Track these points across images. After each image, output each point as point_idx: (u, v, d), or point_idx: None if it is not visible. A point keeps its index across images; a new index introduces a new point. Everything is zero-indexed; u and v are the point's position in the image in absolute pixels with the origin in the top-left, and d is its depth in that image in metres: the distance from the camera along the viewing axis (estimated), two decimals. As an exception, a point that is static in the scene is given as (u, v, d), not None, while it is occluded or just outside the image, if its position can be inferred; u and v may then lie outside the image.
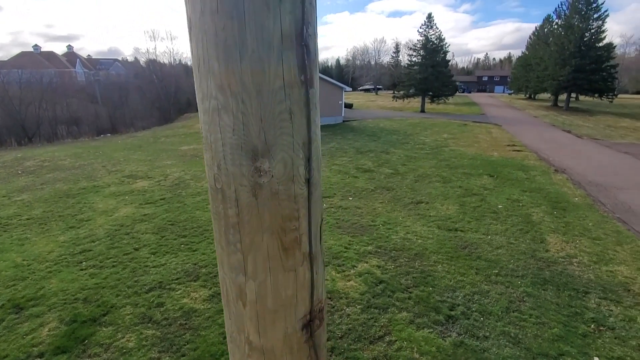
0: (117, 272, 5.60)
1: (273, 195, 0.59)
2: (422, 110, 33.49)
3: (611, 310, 4.97)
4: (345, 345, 4.18)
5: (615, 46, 33.84)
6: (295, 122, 0.57)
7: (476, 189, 10.17)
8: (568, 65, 31.99)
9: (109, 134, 29.95)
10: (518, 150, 15.86)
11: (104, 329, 4.35)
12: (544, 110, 35.41)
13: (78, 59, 70.14)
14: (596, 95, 33.26)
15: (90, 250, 6.40)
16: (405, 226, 7.61)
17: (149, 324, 4.43)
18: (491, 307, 4.96)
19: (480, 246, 6.72)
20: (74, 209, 8.70)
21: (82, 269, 5.75)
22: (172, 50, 78.81)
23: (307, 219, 0.65)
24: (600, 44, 32.15)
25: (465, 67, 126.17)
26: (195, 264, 5.84)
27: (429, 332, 4.42)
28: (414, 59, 34.20)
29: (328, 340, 4.22)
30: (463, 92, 72.24)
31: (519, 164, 13.20)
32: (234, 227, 0.62)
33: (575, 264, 6.19)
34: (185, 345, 4.10)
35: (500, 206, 8.84)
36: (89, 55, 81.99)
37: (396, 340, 4.28)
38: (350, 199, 9.41)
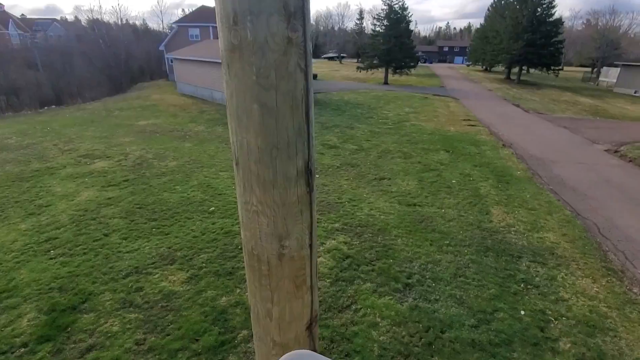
0: (89, 260, 5.64)
1: (290, 258, 0.92)
2: (386, 82, 33.93)
3: (538, 271, 5.92)
4: (319, 310, 4.70)
5: (563, 22, 35.88)
6: (304, 216, 0.89)
7: (433, 165, 10.95)
8: (521, 40, 33.60)
9: (54, 106, 27.44)
10: (472, 125, 16.92)
11: (85, 315, 4.51)
12: (497, 83, 37.29)
13: (10, 20, 61.64)
14: (544, 69, 35.52)
15: (57, 238, 6.30)
16: (370, 202, 8.17)
17: (131, 308, 4.65)
18: (442, 274, 5.70)
19: (435, 219, 7.47)
20: (30, 194, 8.30)
21: (51, 258, 5.71)
22: (118, 10, 71.45)
23: (309, 268, 0.99)
24: (551, 19, 33.95)
25: (427, 35, 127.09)
26: (169, 248, 6.01)
27: (389, 299, 5.06)
28: (377, 29, 34.09)
29: (302, 312, 4.70)
30: (425, 62, 73.39)
31: (472, 139, 14.20)
32: (265, 277, 0.94)
33: (512, 232, 7.13)
34: (169, 325, 4.40)
35: (454, 181, 9.68)
36: (22, 14, 72.14)
37: (361, 308, 4.87)
38: (317, 176, 9.78)
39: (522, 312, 4.99)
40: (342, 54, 72.93)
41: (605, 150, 13.13)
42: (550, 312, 5.02)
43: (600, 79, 38.55)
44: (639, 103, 26.62)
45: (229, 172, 9.77)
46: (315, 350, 1.37)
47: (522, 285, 5.58)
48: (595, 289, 5.57)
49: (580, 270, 6.02)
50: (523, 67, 37.51)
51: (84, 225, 6.75)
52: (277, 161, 0.80)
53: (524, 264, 6.10)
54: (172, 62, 27.74)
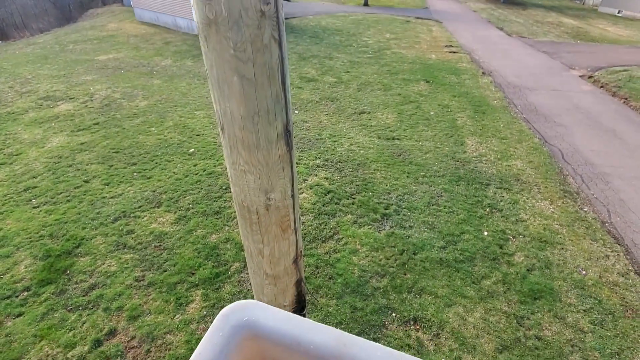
0: (74, 207, 5.70)
1: (276, 208, 1.05)
2: (366, 4, 31.52)
3: (503, 197, 6.45)
4: (303, 246, 5.11)
5: None
6: (285, 172, 1.00)
7: (413, 96, 10.91)
8: (510, -48, 31.12)
9: (1, 41, 24.46)
10: (454, 52, 16.48)
11: (82, 259, 4.74)
12: (483, 3, 35.33)
13: None
14: (531, -14, 33.68)
15: (36, 187, 6.23)
16: (349, 137, 8.28)
17: (125, 249, 4.89)
18: (417, 203, 6.14)
19: (412, 152, 7.74)
20: (-6, 142, 7.91)
21: (34, 207, 5.72)
22: None
23: (293, 215, 1.13)
24: None
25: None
26: (154, 191, 6.10)
27: (369, 229, 5.50)
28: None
29: (288, 244, 5.09)
30: (407, -21, 67.58)
31: (453, 68, 13.98)
32: (255, 224, 1.09)
33: (484, 161, 7.54)
34: (164, 262, 4.71)
35: (432, 113, 9.79)
36: None
37: (343, 238, 5.30)
38: (297, 112, 9.65)
39: (485, 233, 5.58)
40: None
41: (580, 76, 13.31)
42: (509, 232, 5.63)
43: (586, -4, 37.07)
44: (620, 24, 26.25)
45: (204, 111, 9.47)
46: (301, 279, 1.62)
47: (487, 209, 6.12)
48: (551, 209, 6.20)
49: (541, 193, 6.60)
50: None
51: (61, 172, 6.65)
52: (259, 126, 0.88)
53: (491, 191, 6.61)
54: (125, -17, 24.47)
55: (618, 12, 30.04)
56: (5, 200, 5.92)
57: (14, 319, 3.95)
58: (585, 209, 6.27)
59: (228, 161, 1.00)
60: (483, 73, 13.45)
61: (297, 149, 7.70)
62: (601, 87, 12.21)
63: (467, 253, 5.15)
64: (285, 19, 19.96)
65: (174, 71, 12.94)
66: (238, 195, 1.05)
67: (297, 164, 7.10)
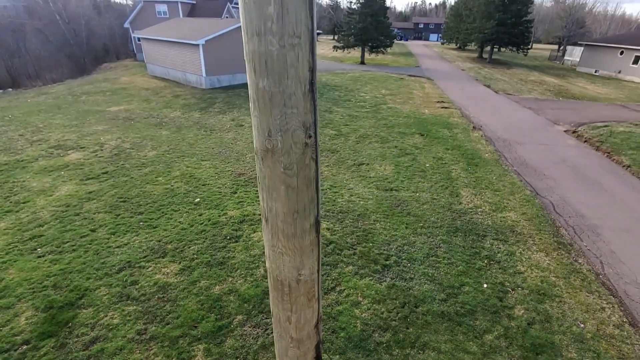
0: (79, 256, 5.77)
1: (305, 282, 1.27)
2: (362, 62, 33.94)
3: (499, 248, 6.62)
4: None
5: (532, 1, 36.75)
6: (314, 253, 1.23)
7: (409, 149, 11.47)
8: (493, 19, 34.32)
9: (11, 89, 25.70)
10: (446, 107, 17.54)
11: (84, 310, 4.74)
12: (470, 62, 38.15)
13: None
14: (514, 48, 36.66)
15: (42, 236, 6.34)
16: (349, 188, 8.60)
17: (128, 301, 4.91)
18: (416, 254, 6.28)
19: (410, 203, 8.02)
20: (3, 190, 8.11)
21: (39, 256, 5.79)
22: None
23: (317, 286, 1.34)
24: (521, -2, 34.79)
25: (403, 11, 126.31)
26: (159, 241, 6.22)
27: (370, 280, 5.57)
28: (353, 6, 33.72)
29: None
30: (400, 39, 73.32)
31: (445, 122, 14.82)
32: (286, 295, 1.30)
33: (479, 213, 7.80)
34: (167, 315, 4.71)
35: (427, 165, 10.25)
36: (-43, -19, 64.92)
37: (345, 289, 5.36)
38: (298, 163, 10.07)
39: (485, 285, 5.66)
40: (318, 31, 71.46)
41: (565, 131, 14.13)
42: (508, 284, 5.72)
43: (565, 57, 40.21)
44: (598, 82, 28.23)
45: (210, 161, 9.87)
46: (320, 342, 1.79)
47: (485, 261, 6.25)
48: (547, 261, 6.34)
49: (536, 245, 6.78)
50: (495, 46, 38.45)
51: (68, 221, 6.79)
52: (297, 221, 1.14)
53: (488, 242, 6.78)
54: (139, 40, 26.43)
55: (595, 72, 32.44)
56: (9, 249, 5.99)
57: (12, 374, 3.88)
58: (580, 261, 6.42)
59: (268, 244, 1.23)
60: (474, 127, 14.24)
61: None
62: (585, 141, 12.92)
63: (467, 306, 5.20)
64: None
65: (182, 122, 13.61)
66: (274, 271, 1.27)
67: (299, 214, 7.31)
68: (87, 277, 5.32)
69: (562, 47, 45.32)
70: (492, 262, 6.23)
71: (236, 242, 6.30)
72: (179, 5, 28.90)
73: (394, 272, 5.77)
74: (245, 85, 20.42)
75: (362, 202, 7.93)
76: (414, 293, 5.36)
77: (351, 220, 7.18)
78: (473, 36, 38.56)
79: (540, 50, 57.63)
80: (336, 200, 7.95)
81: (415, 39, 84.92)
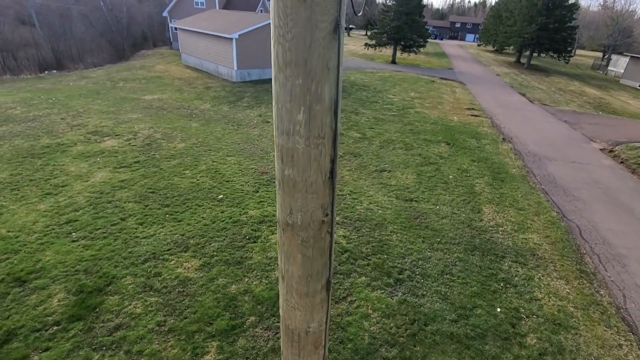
0: (109, 244, 6.16)
1: (313, 333, 1.37)
2: (393, 61, 33.42)
3: (518, 271, 6.49)
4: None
5: (578, 6, 34.80)
6: (324, 308, 1.33)
7: (433, 158, 11.31)
8: (534, 23, 32.80)
9: (55, 71, 27.17)
10: (476, 115, 17.08)
11: (111, 297, 5.08)
12: (506, 67, 36.73)
13: None
14: (555, 55, 34.93)
15: (77, 221, 6.79)
16: (369, 196, 8.63)
17: (151, 292, 5.22)
18: (430, 270, 6.27)
19: (429, 216, 7.96)
20: (44, 172, 8.70)
21: (73, 241, 6.23)
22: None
23: (324, 336, 1.44)
24: (567, 3, 32.97)
25: (440, 8, 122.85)
26: (182, 235, 6.53)
27: (381, 293, 5.64)
28: (388, 3, 33.17)
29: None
30: (435, 38, 71.43)
31: (474, 131, 14.46)
32: (295, 342, 1.41)
33: (500, 232, 7.65)
34: (186, 309, 4.98)
35: (451, 176, 10.09)
36: (13, -37, 68.80)
37: (356, 300, 5.46)
38: (320, 165, 10.17)
39: (498, 310, 5.59)
40: (350, 26, 70.78)
41: (601, 149, 13.46)
42: (523, 310, 5.62)
43: (609, 68, 37.95)
44: (645, 96, 26.52)
45: (235, 157, 10.15)
46: None
47: (501, 284, 6.16)
48: (567, 290, 6.16)
49: (557, 272, 6.60)
50: (534, 52, 36.80)
51: (101, 208, 7.23)
52: (310, 283, 1.24)
53: (506, 264, 6.66)
54: (175, 29, 27.18)
55: (639, 86, 30.47)
56: (47, 231, 6.47)
57: (41, 353, 4.25)
58: (602, 292, 6.20)
59: (282, 298, 1.35)
60: (504, 139, 13.82)
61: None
62: (621, 162, 12.27)
63: (478, 329, 5.17)
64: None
65: (211, 115, 14.01)
66: (286, 320, 1.39)
67: (316, 218, 7.43)
68: (115, 265, 5.69)
69: (606, 56, 42.73)
70: (508, 286, 6.13)
71: (254, 242, 6.51)
72: (216, -4, 29.42)
73: (407, 287, 5.80)
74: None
75: (380, 211, 7.96)
76: (425, 310, 5.38)
77: (368, 230, 7.23)
78: (512, 40, 37.03)
79: (584, 57, 54.58)
80: (355, 208, 8.02)
81: (450, 38, 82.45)
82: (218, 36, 19.22)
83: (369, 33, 39.09)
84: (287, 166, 1.04)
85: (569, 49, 34.78)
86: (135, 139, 11.14)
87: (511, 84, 27.04)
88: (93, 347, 4.38)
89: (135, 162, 9.44)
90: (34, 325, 4.60)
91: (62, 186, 8.09)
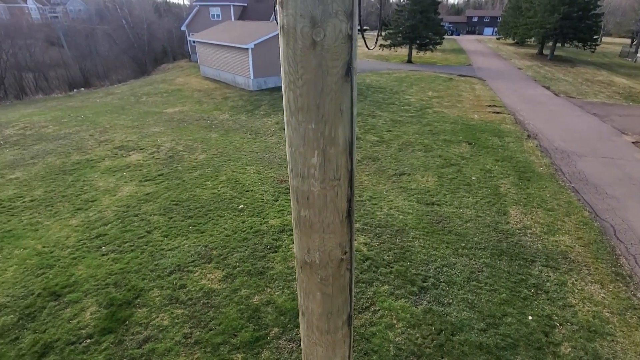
0: (137, 257, 6.37)
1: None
2: (409, 61, 33.04)
3: (549, 276, 6.21)
4: None
5: (603, -8, 33.27)
6: (345, 344, 1.31)
7: (454, 159, 11.05)
8: (557, 13, 31.57)
9: (83, 89, 28.52)
10: (497, 112, 16.58)
11: (139, 310, 5.24)
12: (528, 59, 35.50)
13: None
14: (580, 44, 33.47)
15: (106, 235, 7.07)
16: (389, 201, 8.52)
17: (177, 304, 5.34)
18: (456, 277, 6.09)
19: (452, 220, 7.76)
20: (75, 188, 9.12)
21: (103, 254, 6.47)
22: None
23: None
24: (590, -11, 31.60)
25: (455, 3, 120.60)
26: (206, 246, 6.66)
27: (405, 302, 5.53)
28: (402, 2, 32.86)
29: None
30: (452, 34, 70.06)
31: (496, 129, 14.03)
32: None
33: (529, 234, 7.35)
34: (210, 321, 5.06)
35: (474, 177, 9.82)
36: (40, -13, 73.19)
37: (379, 310, 5.38)
38: (339, 171, 10.13)
39: (530, 317, 5.36)
40: (364, 27, 70.48)
41: (633, 143, 12.73)
42: (556, 318, 5.37)
43: (638, 54, 35.96)
44: (682, 83, 24.93)
45: (254, 166, 10.28)
46: None
47: (532, 290, 5.90)
48: (602, 294, 5.84)
49: (591, 275, 6.26)
50: (557, 42, 35.41)
51: (128, 222, 7.49)
52: (330, 320, 1.23)
53: (537, 269, 6.39)
54: (194, 43, 27.97)
55: (679, 71, 28.64)
56: (79, 245, 6.76)
57: (80, 364, 4.43)
58: (639, 296, 5.84)
59: (303, 333, 1.34)
60: (528, 136, 13.33)
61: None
62: (660, 156, 11.55)
63: (509, 339, 4.97)
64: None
65: (230, 125, 14.29)
66: (307, 356, 1.39)
67: (337, 226, 7.40)
68: (143, 277, 5.86)
69: (635, 42, 40.52)
70: (539, 292, 5.87)
71: (275, 252, 6.55)
72: (232, 8, 30.09)
73: (432, 296, 5.67)
74: (290, 87, 20.87)
75: (401, 217, 7.83)
76: (451, 320, 5.23)
77: (389, 236, 7.13)
78: (533, 31, 35.75)
79: (611, 45, 51.96)
80: (375, 213, 7.93)
81: (468, 33, 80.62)
82: (234, 47, 19.62)
83: (383, 33, 38.92)
84: (302, 207, 1.03)
85: (594, 37, 33.22)
86: (158, 152, 11.50)
87: (534, 77, 26.09)
88: (124, 359, 4.51)
89: (159, 175, 9.73)
90: (69, 338, 4.80)
91: (91, 201, 8.44)
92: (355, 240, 7.08)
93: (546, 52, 37.42)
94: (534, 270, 6.36)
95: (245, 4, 32.05)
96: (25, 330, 4.87)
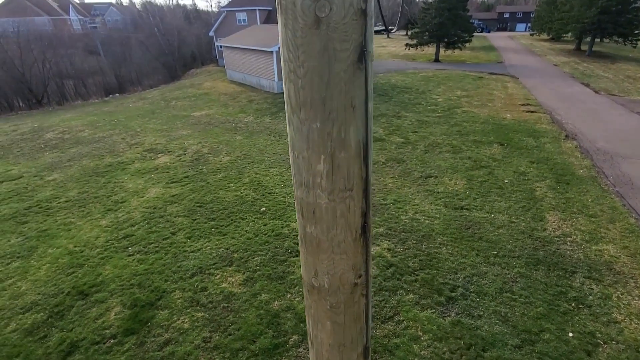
0: (161, 258, 6.45)
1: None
2: (437, 60, 32.13)
3: (592, 289, 5.68)
4: None
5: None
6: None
7: (485, 161, 10.51)
8: (594, 7, 29.64)
9: (118, 94, 29.90)
10: (532, 111, 15.69)
11: (161, 312, 5.27)
12: (565, 56, 33.56)
13: (70, 5, 66.89)
14: (620, 39, 31.24)
15: (133, 235, 7.23)
16: (414, 205, 8.19)
17: (198, 307, 5.33)
18: (487, 288, 5.71)
19: (483, 226, 7.33)
20: (106, 190, 9.44)
21: (129, 255, 6.61)
22: (170, -7, 74.03)
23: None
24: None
25: (485, 0, 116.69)
26: (227, 249, 6.65)
27: (432, 313, 5.23)
28: (429, 0, 32.10)
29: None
30: (482, 31, 67.69)
31: (531, 129, 13.26)
32: None
33: (568, 243, 6.80)
34: (230, 325, 5.00)
35: (506, 181, 9.27)
36: (80, -1, 77.89)
37: (403, 320, 5.11)
38: (362, 173, 9.89)
39: (570, 334, 4.91)
40: (390, 27, 69.67)
41: (691, 143, 11.59)
42: (600, 335, 4.88)
43: (694, 46, 32.99)
44: None
45: (277, 169, 10.25)
46: None
47: (573, 304, 5.42)
48: (657, 313, 5.26)
49: (638, 289, 5.68)
50: (596, 37, 33.26)
51: (154, 223, 7.63)
52: (344, 352, 1.05)
53: (578, 280, 5.88)
54: (221, 47, 28.61)
55: None
56: (107, 245, 6.95)
57: (102, 365, 4.49)
58: None
59: None
60: (566, 136, 12.49)
61: None
62: None
63: (547, 358, 4.56)
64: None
65: (254, 127, 14.40)
66: None
67: (360, 230, 7.18)
68: (166, 279, 5.92)
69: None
70: (581, 306, 5.38)
71: (296, 256, 6.43)
72: (257, 12, 30.54)
73: (460, 307, 5.33)
74: (314, 89, 20.82)
75: (427, 221, 7.49)
76: (482, 334, 4.88)
77: (414, 242, 6.82)
78: (569, 26, 33.76)
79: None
80: (399, 218, 7.64)
81: (499, 29, 77.60)
82: (259, 50, 19.83)
83: (409, 32, 38.13)
84: (308, 223, 0.87)
85: (635, 32, 30.86)
86: (185, 154, 11.74)
87: (572, 73, 24.59)
88: (145, 361, 4.53)
89: (184, 177, 9.91)
90: (94, 338, 4.90)
91: (121, 202, 8.71)
92: (378, 245, 6.85)
93: (584, 47, 35.22)
94: (574, 282, 5.85)
95: (270, 8, 32.43)
96: (53, 328, 5.02)
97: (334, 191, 0.80)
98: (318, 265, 0.92)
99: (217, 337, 4.84)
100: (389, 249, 6.59)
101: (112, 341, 4.81)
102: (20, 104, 28.96)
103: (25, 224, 7.83)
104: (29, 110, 25.44)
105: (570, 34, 35.97)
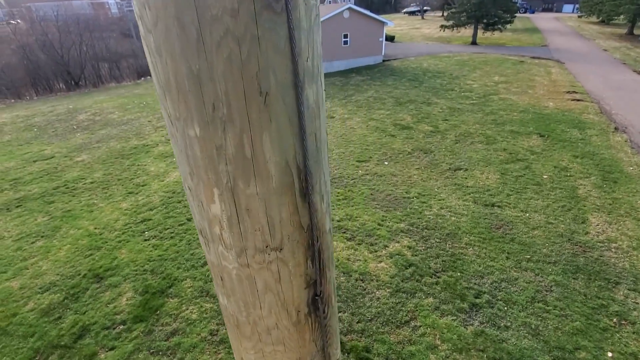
0: (175, 244, 6.40)
1: None
2: (474, 42, 30.20)
3: (637, 303, 5.03)
4: (374, 328, 4.73)
5: None
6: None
7: (522, 153, 9.68)
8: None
9: (149, 77, 30.55)
10: (578, 100, 14.33)
11: (171, 300, 5.21)
12: (616, 40, 30.47)
13: None
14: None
15: (150, 220, 7.24)
16: (440, 199, 7.65)
17: (207, 298, 5.22)
18: (517, 296, 5.20)
19: (516, 226, 6.72)
20: (129, 172, 9.57)
21: (145, 239, 6.62)
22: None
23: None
24: None
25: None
26: (240, 239, 6.49)
27: (452, 320, 4.82)
28: (467, -22, 29.91)
29: (358, 322, 4.78)
30: (525, 12, 62.96)
31: (576, 120, 12.09)
32: None
33: (613, 249, 6.08)
34: (237, 320, 4.85)
35: (545, 176, 8.48)
36: (118, -18, 79.56)
37: (421, 326, 4.74)
38: (386, 163, 9.42)
39: (610, 354, 4.36)
40: (424, 8, 66.29)
41: None
42: (650, 360, 4.29)
43: None
44: None
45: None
46: None
47: (614, 319, 4.82)
48: None
49: (703, 310, 4.95)
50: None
51: (172, 208, 7.62)
52: None
53: (621, 293, 5.23)
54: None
55: None
56: (125, 229, 7.00)
57: (107, 351, 4.48)
58: None
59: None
60: (616, 129, 11.27)
61: (382, 207, 7.40)
62: None
63: (583, 380, 4.07)
64: (386, 60, 20.05)
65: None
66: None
67: (379, 225, 6.79)
68: (178, 266, 5.86)
69: None
70: (623, 322, 4.77)
71: (311, 249, 6.17)
72: None
73: (485, 315, 4.88)
74: (339, 73, 20.15)
75: (453, 218, 6.97)
76: (509, 348, 4.43)
77: (438, 240, 6.35)
78: (622, 8, 30.54)
79: None
80: (423, 213, 7.16)
81: (544, 10, 71.88)
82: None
83: (445, 14, 35.97)
84: (220, 292, 0.55)
85: None
86: (206, 138, 11.69)
87: (623, 60, 22.25)
88: (151, 350, 4.48)
89: (204, 162, 9.84)
90: (105, 322, 4.91)
91: (142, 185, 8.78)
92: (398, 242, 6.44)
93: (637, 32, 31.78)
94: (617, 294, 5.21)
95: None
96: (68, 310, 5.09)
97: (245, 251, 0.45)
98: (244, 355, 0.59)
99: (224, 330, 4.70)
100: (409, 247, 6.18)
101: (121, 327, 4.80)
102: (60, 86, 30.37)
103: (52, 204, 8.07)
104: (67, 92, 26.57)
105: (622, 16, 32.52)
